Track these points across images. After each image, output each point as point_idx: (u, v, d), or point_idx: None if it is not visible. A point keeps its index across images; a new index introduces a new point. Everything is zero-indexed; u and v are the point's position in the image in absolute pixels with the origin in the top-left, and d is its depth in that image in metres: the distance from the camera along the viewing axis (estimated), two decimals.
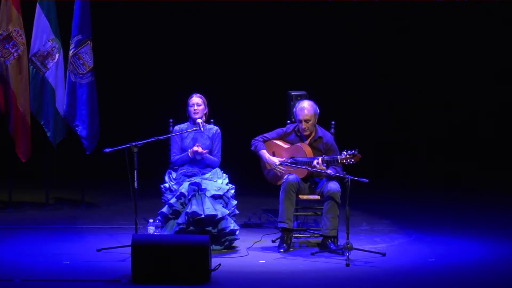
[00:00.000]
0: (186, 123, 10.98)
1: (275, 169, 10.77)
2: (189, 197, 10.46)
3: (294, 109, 10.88)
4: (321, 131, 10.78)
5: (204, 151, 10.78)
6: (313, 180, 10.74)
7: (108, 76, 13.59)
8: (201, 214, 10.34)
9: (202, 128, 10.86)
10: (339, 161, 10.41)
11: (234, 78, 14.69)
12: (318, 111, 10.70)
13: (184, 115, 11.00)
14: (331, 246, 10.44)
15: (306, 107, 10.67)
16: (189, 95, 10.97)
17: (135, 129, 11.35)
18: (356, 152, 10.34)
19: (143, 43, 14.77)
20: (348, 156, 10.36)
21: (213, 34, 14.83)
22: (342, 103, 14.63)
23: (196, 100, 10.89)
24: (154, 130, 10.96)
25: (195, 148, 10.78)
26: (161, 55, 14.79)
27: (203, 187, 10.47)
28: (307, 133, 10.72)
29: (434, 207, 12.97)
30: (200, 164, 10.86)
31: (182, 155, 10.87)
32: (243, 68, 14.83)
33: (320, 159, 10.50)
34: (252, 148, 10.87)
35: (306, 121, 10.66)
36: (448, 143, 15.36)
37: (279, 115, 11.99)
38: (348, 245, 10.07)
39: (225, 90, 14.10)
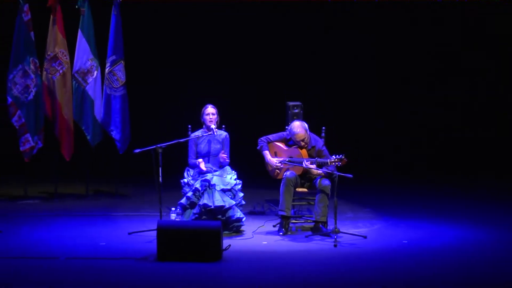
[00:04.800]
0: (200, 130, 10.94)
1: (274, 168, 10.81)
2: (202, 191, 10.47)
3: (289, 129, 10.79)
4: (314, 141, 10.75)
5: (204, 168, 10.75)
6: (307, 176, 10.73)
7: (138, 89, 13.58)
8: (211, 206, 10.34)
9: (215, 133, 10.91)
10: (329, 163, 10.43)
11: (241, 91, 14.60)
12: (307, 126, 10.70)
13: (198, 121, 10.98)
14: (322, 229, 10.43)
15: (299, 131, 10.65)
16: (203, 105, 10.95)
17: (160, 133, 11.31)
18: (343, 157, 10.34)
19: (167, 64, 14.75)
20: (336, 159, 10.37)
21: (226, 58, 14.70)
22: (331, 112, 14.57)
23: (211, 110, 10.87)
24: (175, 134, 10.93)
25: (199, 162, 10.76)
26: (179, 74, 14.74)
27: (212, 183, 10.44)
28: (304, 146, 10.72)
29: (408, 198, 12.88)
30: (215, 163, 10.89)
31: (195, 161, 10.82)
32: (248, 83, 14.74)
33: (309, 161, 10.54)
34: (258, 148, 10.86)
35: (302, 140, 10.68)
36: (427, 145, 15.15)
37: (279, 122, 11.97)
38: (336, 229, 10.08)
39: (234, 101, 14.04)
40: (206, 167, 10.76)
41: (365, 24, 14.82)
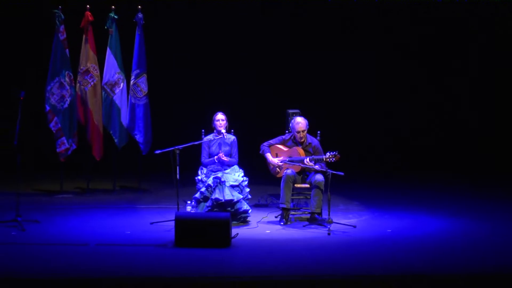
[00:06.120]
0: (211, 134, 10.93)
1: (276, 166, 10.84)
2: (214, 187, 10.49)
3: (290, 124, 10.90)
4: (310, 139, 10.79)
5: (226, 159, 10.83)
6: (304, 173, 10.76)
7: (159, 98, 13.60)
8: (222, 200, 10.35)
9: (225, 136, 10.95)
10: (324, 159, 10.46)
11: (247, 100, 14.55)
12: (308, 123, 10.76)
13: (210, 126, 10.99)
14: (318, 220, 10.43)
15: (300, 122, 10.69)
16: (213, 112, 10.96)
17: (177, 136, 11.30)
18: (336, 153, 10.34)
19: (184, 77, 14.74)
20: (330, 156, 10.37)
21: (234, 73, 14.68)
22: (325, 117, 14.52)
23: (221, 117, 10.89)
24: (190, 138, 10.93)
25: (220, 154, 10.85)
26: (194, 85, 14.68)
27: (222, 179, 10.46)
28: (301, 140, 10.78)
29: (392, 192, 12.82)
30: (224, 164, 10.92)
31: (210, 159, 10.83)
32: (252, 94, 14.73)
33: (308, 158, 10.59)
34: (260, 152, 10.88)
35: (302, 131, 10.71)
36: (411, 145, 15.04)
37: (280, 127, 11.96)
38: (329, 220, 10.09)
39: (242, 109, 13.99)
40: (217, 166, 10.78)
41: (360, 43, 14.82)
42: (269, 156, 10.79)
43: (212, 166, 10.84)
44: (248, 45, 14.66)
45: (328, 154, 10.36)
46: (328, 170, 10.24)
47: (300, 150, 10.72)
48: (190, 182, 11.21)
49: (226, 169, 10.79)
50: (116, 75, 12.49)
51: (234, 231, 9.75)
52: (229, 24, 14.60)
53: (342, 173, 10.14)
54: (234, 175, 10.66)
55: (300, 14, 14.72)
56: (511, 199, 12.29)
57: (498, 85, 14.93)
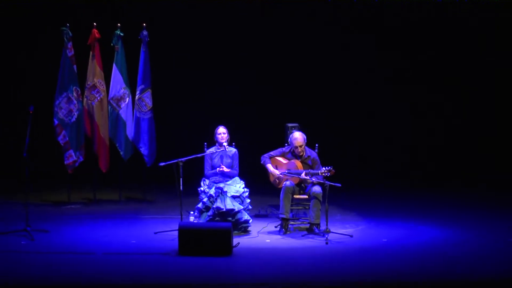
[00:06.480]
0: (213, 147, 10.94)
1: (276, 177, 10.84)
2: (215, 197, 10.50)
3: (289, 138, 10.88)
4: (309, 151, 10.79)
5: (227, 170, 10.80)
6: (303, 185, 10.76)
7: (163, 112, 13.60)
8: (223, 209, 10.35)
9: (226, 149, 10.97)
10: (320, 174, 10.45)
11: (248, 115, 14.57)
12: (306, 137, 10.77)
13: (212, 139, 10.99)
14: (315, 230, 10.42)
15: (298, 137, 10.69)
16: (215, 127, 10.97)
17: (180, 149, 11.32)
18: (331, 168, 10.32)
19: (187, 92, 14.77)
20: (325, 171, 10.33)
21: (235, 91, 14.71)
22: (323, 131, 14.57)
23: (222, 130, 10.89)
24: (193, 150, 10.96)
25: (222, 167, 10.86)
26: (197, 100, 14.72)
27: (224, 190, 10.48)
28: (300, 154, 10.81)
29: (387, 203, 12.77)
30: (225, 176, 10.91)
31: (212, 171, 10.84)
32: (253, 108, 14.76)
33: (305, 172, 10.56)
34: (261, 162, 10.87)
35: (300, 146, 10.72)
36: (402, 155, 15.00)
37: (279, 140, 11.99)
38: (327, 230, 10.11)
39: (243, 123, 14.04)
40: (219, 177, 10.79)
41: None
42: (270, 166, 10.80)
43: (215, 177, 10.83)
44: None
45: (324, 169, 10.36)
46: (326, 182, 10.24)
47: (298, 163, 10.72)
48: (193, 193, 11.21)
49: (228, 180, 10.79)
50: (122, 90, 12.50)
51: (235, 240, 9.76)
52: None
53: (339, 185, 10.15)
54: (235, 186, 10.66)
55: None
56: (502, 206, 12.32)
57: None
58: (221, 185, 10.59)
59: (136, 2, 14.37)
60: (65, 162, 12.34)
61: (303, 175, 10.49)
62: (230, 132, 10.96)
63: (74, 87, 12.25)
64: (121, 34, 12.43)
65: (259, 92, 14.79)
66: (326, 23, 14.67)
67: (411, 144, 15.10)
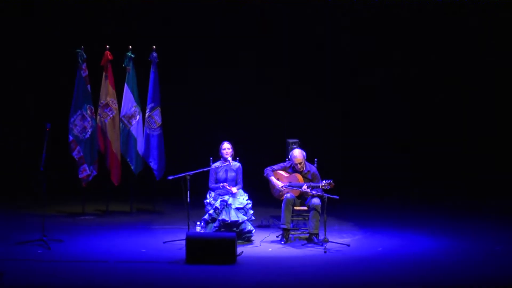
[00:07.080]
0: (218, 161, 10.96)
1: (279, 190, 10.85)
2: (221, 209, 10.51)
3: (290, 155, 10.86)
4: (309, 166, 10.78)
5: (230, 188, 10.76)
6: (303, 197, 10.77)
7: (172, 129, 13.62)
8: (228, 220, 10.36)
9: (231, 164, 11.00)
10: (320, 187, 10.47)
11: (250, 131, 14.48)
12: (305, 154, 10.75)
13: (217, 154, 11.01)
14: (315, 240, 10.41)
15: (298, 155, 10.68)
16: (220, 142, 11.00)
17: (188, 163, 11.30)
18: (331, 181, 10.32)
19: (194, 109, 14.75)
20: (326, 184, 10.33)
21: (239, 108, 14.67)
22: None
23: (227, 146, 10.92)
24: (200, 165, 10.96)
25: (225, 184, 10.82)
26: (203, 117, 14.67)
27: (229, 202, 10.48)
28: (300, 170, 10.80)
29: (383, 214, 12.68)
30: (228, 191, 10.84)
31: (217, 185, 10.86)
32: (254, 125, 14.70)
33: (306, 185, 10.59)
34: (264, 174, 10.84)
35: (299, 164, 10.73)
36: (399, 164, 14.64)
37: (280, 155, 11.98)
38: (325, 239, 10.10)
39: (247, 138, 14.01)
40: (223, 190, 10.83)
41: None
42: (273, 179, 10.79)
43: (219, 190, 10.86)
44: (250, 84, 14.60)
45: (324, 182, 10.36)
46: (325, 194, 10.25)
47: (299, 177, 10.73)
48: (199, 204, 11.19)
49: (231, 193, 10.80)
50: (133, 108, 12.54)
51: (239, 249, 9.76)
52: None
53: (337, 197, 10.15)
54: (239, 198, 10.67)
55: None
56: (494, 216, 12.29)
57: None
58: (226, 197, 10.61)
59: (147, 24, 14.38)
60: (80, 176, 12.36)
61: (304, 187, 10.50)
62: (234, 148, 10.99)
63: (88, 106, 12.29)
64: (132, 55, 12.49)
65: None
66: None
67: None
